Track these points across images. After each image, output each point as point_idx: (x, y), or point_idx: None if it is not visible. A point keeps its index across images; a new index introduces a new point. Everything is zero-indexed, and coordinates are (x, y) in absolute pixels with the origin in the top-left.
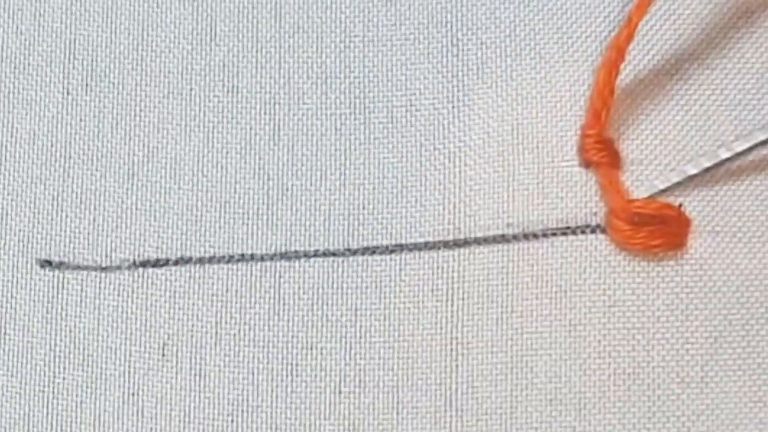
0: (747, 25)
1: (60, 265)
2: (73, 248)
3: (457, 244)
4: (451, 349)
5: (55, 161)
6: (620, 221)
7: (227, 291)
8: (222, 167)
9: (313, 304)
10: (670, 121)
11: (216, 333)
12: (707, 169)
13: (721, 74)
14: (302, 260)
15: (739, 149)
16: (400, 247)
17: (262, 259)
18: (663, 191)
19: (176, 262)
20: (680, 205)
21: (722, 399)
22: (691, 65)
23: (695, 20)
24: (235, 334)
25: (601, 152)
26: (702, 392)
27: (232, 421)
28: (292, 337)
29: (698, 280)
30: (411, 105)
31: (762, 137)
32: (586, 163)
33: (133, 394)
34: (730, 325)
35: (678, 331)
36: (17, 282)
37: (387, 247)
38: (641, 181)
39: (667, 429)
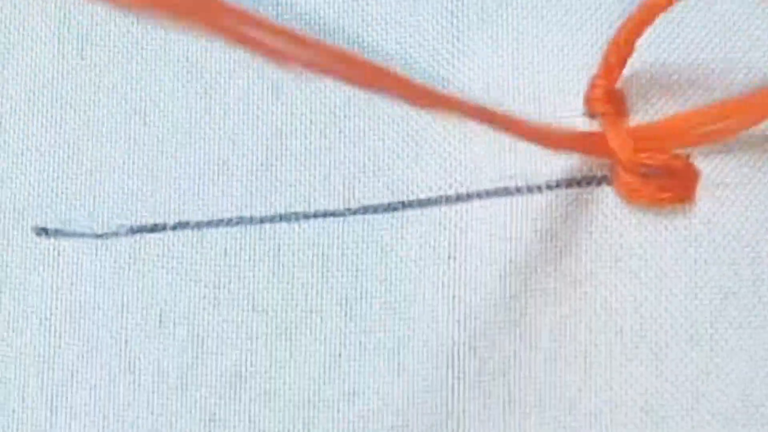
0: None
1: (56, 233)
2: (69, 215)
3: (459, 198)
4: (453, 308)
5: (51, 127)
6: (627, 173)
7: (225, 255)
8: (218, 128)
9: (312, 266)
10: (676, 69)
11: (214, 298)
12: None
13: (730, 21)
14: (301, 221)
15: None
16: (401, 204)
17: (261, 221)
18: None
19: (174, 227)
20: (688, 157)
21: (732, 357)
22: (700, 9)
23: None
24: (233, 299)
25: (608, 103)
26: (712, 350)
27: (230, 388)
28: (292, 300)
29: (707, 233)
30: (410, 57)
31: None
32: (593, 113)
33: (129, 363)
34: (740, 280)
35: (687, 287)
36: (13, 250)
37: (389, 205)
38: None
39: (675, 387)
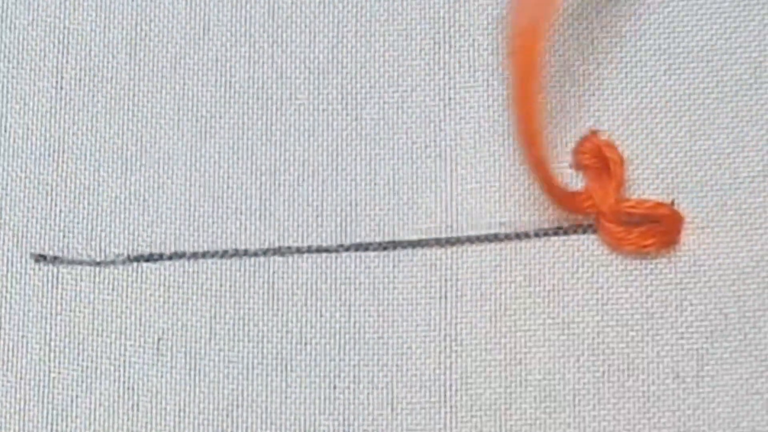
0: (742, 16)
1: (54, 260)
2: (68, 243)
3: (450, 242)
4: (445, 346)
5: (49, 156)
6: (610, 223)
7: (221, 286)
8: (215, 162)
9: (306, 300)
10: (664, 118)
11: (210, 328)
12: None
13: (717, 67)
14: (295, 256)
15: None
16: (393, 244)
17: (255, 254)
18: None
19: (170, 257)
20: (673, 202)
21: (718, 393)
22: (685, 60)
23: (688, 15)
24: (229, 329)
25: (594, 157)
26: (698, 386)
27: (227, 416)
28: (286, 332)
29: (692, 275)
30: (403, 102)
31: None
32: (579, 166)
33: (128, 389)
34: (725, 319)
35: (673, 327)
36: (12, 276)
37: (380, 244)
38: (636, 178)
39: (662, 424)
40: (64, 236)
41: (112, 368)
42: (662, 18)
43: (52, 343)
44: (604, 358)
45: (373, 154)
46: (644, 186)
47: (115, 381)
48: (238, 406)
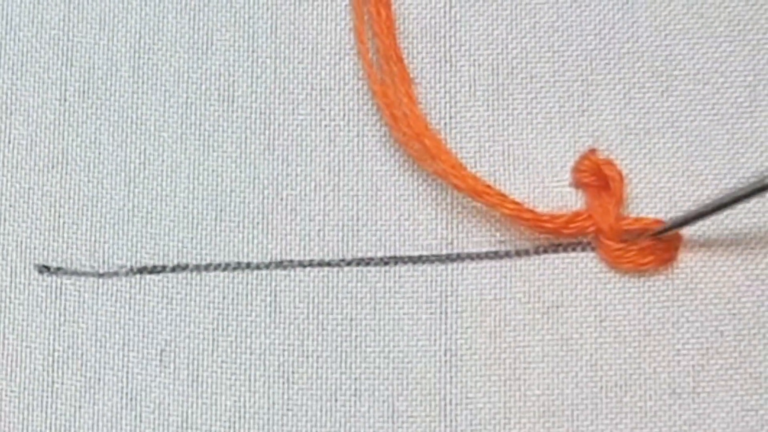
0: (738, 39)
1: (58, 271)
2: (71, 254)
3: (450, 258)
4: (446, 361)
5: (53, 167)
6: (609, 241)
7: (224, 298)
8: (218, 175)
9: (308, 313)
10: (662, 138)
11: (213, 340)
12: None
13: (713, 89)
14: (297, 269)
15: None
16: (394, 260)
17: (258, 267)
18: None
19: (173, 269)
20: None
21: (713, 409)
22: (681, 83)
23: (685, 36)
24: (231, 341)
25: (593, 175)
26: (693, 402)
27: (230, 427)
28: (288, 345)
29: (689, 293)
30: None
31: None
32: (578, 184)
33: (131, 400)
34: (721, 336)
35: (669, 343)
36: (15, 287)
37: (381, 259)
38: (634, 197)
39: None
40: (67, 247)
41: (115, 379)
42: (659, 41)
43: (56, 354)
44: (602, 373)
45: (375, 169)
46: (642, 204)
47: (118, 392)
48: (240, 417)
